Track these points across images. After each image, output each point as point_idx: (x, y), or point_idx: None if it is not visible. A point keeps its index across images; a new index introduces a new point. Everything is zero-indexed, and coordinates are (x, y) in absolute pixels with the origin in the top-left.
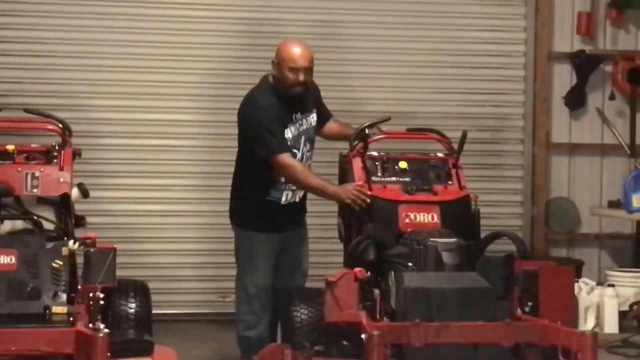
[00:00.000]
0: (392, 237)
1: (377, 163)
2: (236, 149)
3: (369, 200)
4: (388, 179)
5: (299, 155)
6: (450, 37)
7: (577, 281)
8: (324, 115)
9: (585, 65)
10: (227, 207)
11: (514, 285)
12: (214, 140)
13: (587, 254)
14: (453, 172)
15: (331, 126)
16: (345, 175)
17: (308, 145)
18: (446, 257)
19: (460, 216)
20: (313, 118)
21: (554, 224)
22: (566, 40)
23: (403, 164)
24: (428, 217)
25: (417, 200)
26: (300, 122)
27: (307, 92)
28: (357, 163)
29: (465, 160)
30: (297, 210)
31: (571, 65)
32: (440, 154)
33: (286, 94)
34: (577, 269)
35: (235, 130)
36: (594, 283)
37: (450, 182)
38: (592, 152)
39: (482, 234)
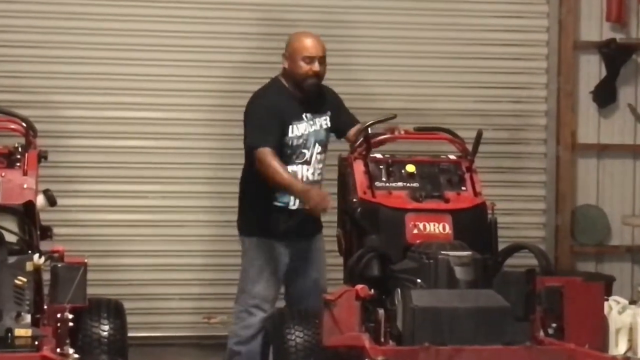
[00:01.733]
0: (398, 250)
1: (381, 166)
2: (218, 152)
3: (327, 211)
4: (394, 184)
5: (307, 156)
6: (464, 24)
7: (607, 299)
8: (347, 122)
9: (616, 55)
10: (211, 217)
11: (535, 304)
12: (195, 141)
13: (618, 268)
14: (467, 176)
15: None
16: (345, 181)
17: (319, 147)
18: (459, 272)
19: (475, 226)
20: (325, 121)
21: (581, 235)
22: (594, 27)
23: (410, 168)
24: (439, 228)
25: (426, 209)
26: (311, 121)
27: (321, 92)
28: (358, 166)
29: (481, 163)
30: (309, 216)
31: (600, 56)
32: (452, 156)
33: (300, 87)
34: (607, 286)
35: (223, 130)
36: (626, 302)
37: (463, 188)
38: (623, 154)
39: (500, 246)
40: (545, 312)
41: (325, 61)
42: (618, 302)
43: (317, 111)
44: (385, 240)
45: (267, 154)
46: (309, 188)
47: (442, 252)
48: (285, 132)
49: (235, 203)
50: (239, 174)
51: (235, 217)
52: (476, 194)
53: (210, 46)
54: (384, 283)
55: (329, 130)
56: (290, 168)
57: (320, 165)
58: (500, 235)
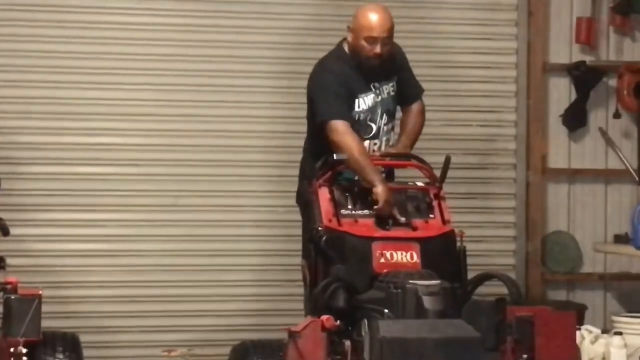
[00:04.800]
0: (365, 279)
1: (347, 193)
2: (180, 178)
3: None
4: (360, 212)
5: (374, 129)
6: (428, 46)
7: (580, 329)
8: (410, 94)
9: (585, 78)
10: (173, 245)
11: (506, 335)
12: (154, 167)
13: (590, 297)
14: (435, 203)
15: (404, 122)
16: (310, 208)
17: (386, 118)
18: (428, 302)
19: (444, 255)
20: (393, 87)
21: (552, 263)
22: (564, 50)
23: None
24: (406, 256)
25: (393, 237)
26: (378, 90)
27: (389, 55)
28: (323, 194)
29: (449, 189)
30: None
31: (570, 79)
32: (420, 183)
33: (361, 64)
34: (579, 315)
35: (185, 156)
36: (598, 331)
37: (431, 216)
38: (594, 178)
39: (470, 275)
40: (516, 343)
41: (392, 39)
42: (590, 332)
43: (384, 78)
44: (352, 270)
45: (344, 127)
46: (383, 188)
47: (410, 281)
48: (352, 107)
49: (198, 231)
50: (201, 201)
51: (195, 246)
52: (444, 221)
53: (168, 68)
54: (351, 314)
55: (396, 96)
56: None
57: (388, 137)
58: (469, 263)
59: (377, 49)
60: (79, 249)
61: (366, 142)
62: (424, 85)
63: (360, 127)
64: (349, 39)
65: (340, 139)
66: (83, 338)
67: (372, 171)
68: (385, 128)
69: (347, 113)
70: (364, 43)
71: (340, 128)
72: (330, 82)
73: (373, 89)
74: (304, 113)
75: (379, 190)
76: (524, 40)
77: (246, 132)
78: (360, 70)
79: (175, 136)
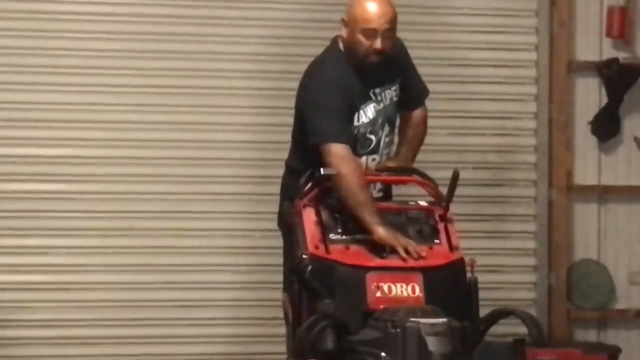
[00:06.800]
0: (357, 317)
1: (336, 215)
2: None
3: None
4: (351, 236)
5: (374, 142)
6: (432, 40)
7: None
8: (413, 98)
9: (618, 78)
10: (130, 277)
11: None
12: (110, 184)
13: (624, 337)
14: (441, 226)
15: (403, 130)
16: (292, 233)
17: (387, 129)
18: (433, 343)
19: (452, 287)
20: (395, 92)
21: (579, 297)
22: (593, 45)
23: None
24: (407, 290)
25: (392, 267)
26: (379, 97)
27: (391, 55)
28: (308, 215)
29: (458, 209)
30: None
31: (600, 79)
32: (423, 202)
33: (359, 64)
34: (611, 358)
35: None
36: None
37: (437, 241)
38: (629, 197)
39: (482, 312)
40: None
41: (394, 32)
42: None
43: (386, 81)
44: (342, 306)
45: (345, 152)
46: (389, 234)
47: (412, 319)
48: (351, 121)
49: (160, 260)
50: (164, 224)
51: (156, 277)
52: (452, 248)
53: (127, 67)
54: (341, 358)
55: (398, 101)
56: None
57: (388, 150)
58: (482, 297)
59: (377, 43)
60: (16, 281)
61: (363, 158)
62: (428, 86)
63: (357, 141)
64: (344, 34)
65: (338, 165)
66: None
67: (371, 211)
68: (386, 140)
69: (348, 134)
70: (360, 37)
71: (340, 152)
72: (330, 97)
73: (374, 97)
74: (288, 120)
75: (381, 234)
76: (545, 33)
77: (218, 142)
78: (359, 75)
79: (132, 147)
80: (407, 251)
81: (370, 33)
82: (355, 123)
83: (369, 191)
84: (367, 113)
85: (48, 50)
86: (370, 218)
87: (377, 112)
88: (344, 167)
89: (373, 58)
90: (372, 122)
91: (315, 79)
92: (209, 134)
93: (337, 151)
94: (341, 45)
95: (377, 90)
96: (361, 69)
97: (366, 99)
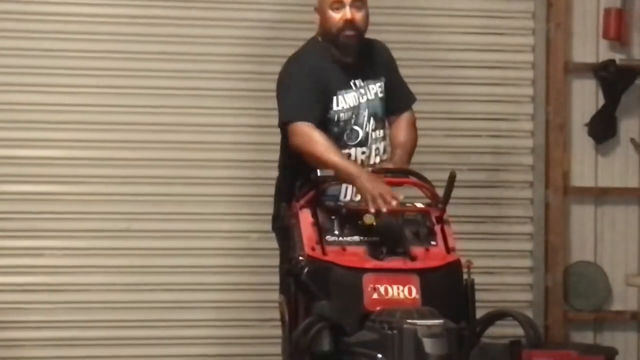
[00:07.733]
0: (354, 318)
1: (333, 217)
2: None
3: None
4: (348, 238)
5: (361, 134)
6: (432, 42)
7: None
8: (392, 101)
9: (615, 80)
10: (125, 278)
11: None
12: (105, 185)
13: (621, 339)
14: (437, 228)
15: (394, 136)
16: (289, 235)
17: (373, 123)
18: (429, 345)
19: (448, 289)
20: (380, 88)
21: (576, 299)
22: (589, 47)
23: (369, 219)
24: (404, 291)
25: (388, 268)
26: (362, 89)
27: (371, 50)
28: (305, 217)
29: (454, 211)
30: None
31: (596, 81)
32: (419, 204)
33: (337, 46)
34: None
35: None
36: None
37: (433, 243)
38: (626, 199)
39: (479, 313)
40: None
41: (365, 5)
42: None
43: (369, 76)
44: (339, 307)
45: (308, 128)
46: (371, 176)
47: (408, 320)
48: (329, 105)
49: (155, 261)
50: (159, 225)
51: (151, 279)
52: (449, 249)
53: (118, 68)
54: (337, 359)
55: (384, 100)
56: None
57: (380, 146)
58: (478, 299)
59: (346, 13)
60: (12, 283)
61: (352, 150)
62: (423, 88)
63: (342, 130)
64: (318, 21)
65: (302, 140)
66: None
67: (347, 166)
68: (374, 135)
69: (315, 112)
70: (331, 13)
71: (303, 130)
72: (298, 76)
73: (354, 87)
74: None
75: (363, 180)
76: (542, 35)
77: (214, 143)
78: (338, 63)
79: (128, 149)
80: (383, 199)
81: (338, 6)
82: (335, 107)
83: (338, 151)
84: (347, 100)
85: (41, 52)
86: (349, 169)
87: (359, 103)
88: (307, 139)
89: (347, 32)
90: (354, 111)
91: (288, 65)
92: (205, 135)
93: (301, 129)
94: (320, 37)
95: (359, 83)
96: (343, 58)
97: (346, 87)
